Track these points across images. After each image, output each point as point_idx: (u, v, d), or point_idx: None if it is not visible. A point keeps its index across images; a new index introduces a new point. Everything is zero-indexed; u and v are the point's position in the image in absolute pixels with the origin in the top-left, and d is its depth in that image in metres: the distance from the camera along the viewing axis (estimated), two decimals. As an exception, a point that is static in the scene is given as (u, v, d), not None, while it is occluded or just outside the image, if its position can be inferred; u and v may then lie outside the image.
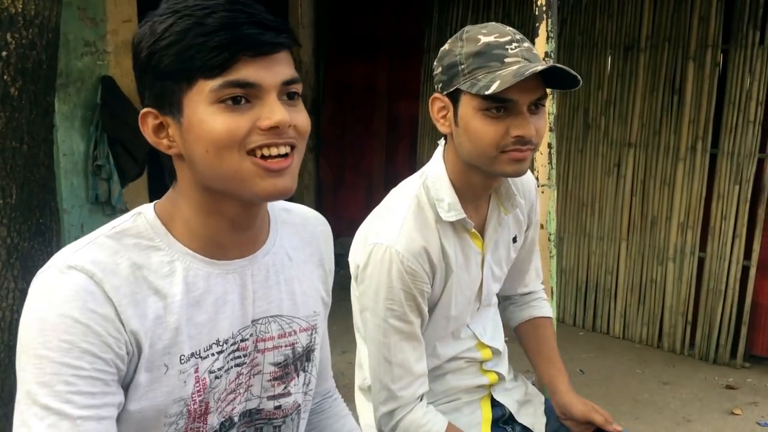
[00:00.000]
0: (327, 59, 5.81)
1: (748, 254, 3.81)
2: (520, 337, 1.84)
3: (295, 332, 1.11)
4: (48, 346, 0.86)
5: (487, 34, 1.37)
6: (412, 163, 5.17)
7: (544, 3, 1.91)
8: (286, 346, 1.10)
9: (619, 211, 4.25)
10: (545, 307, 1.84)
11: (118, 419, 0.93)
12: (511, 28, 1.39)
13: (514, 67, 1.32)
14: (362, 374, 1.69)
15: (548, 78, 1.35)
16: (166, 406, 0.96)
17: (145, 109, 0.96)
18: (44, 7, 2.11)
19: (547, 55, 1.93)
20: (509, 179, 1.54)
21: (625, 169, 4.22)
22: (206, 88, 0.89)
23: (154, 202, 1.02)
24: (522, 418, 1.70)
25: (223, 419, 1.04)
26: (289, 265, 1.10)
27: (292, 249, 1.12)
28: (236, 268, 1.02)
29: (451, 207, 1.47)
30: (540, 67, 1.30)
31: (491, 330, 1.71)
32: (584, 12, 4.31)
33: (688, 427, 3.25)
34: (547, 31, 1.91)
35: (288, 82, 0.93)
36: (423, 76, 5.16)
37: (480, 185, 1.49)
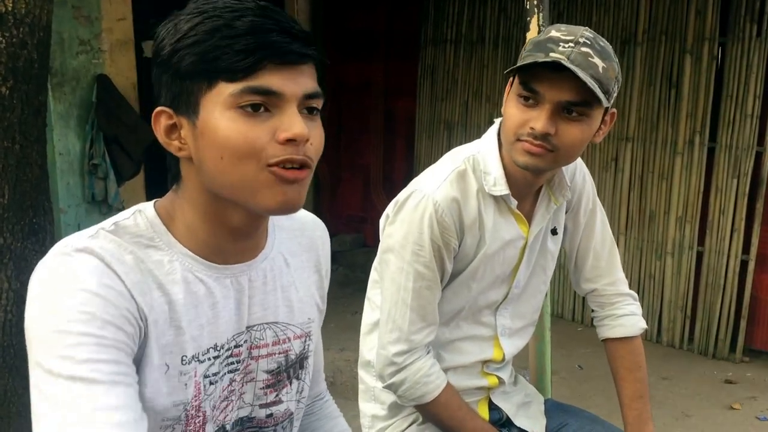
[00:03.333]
0: (323, 55, 5.79)
1: (746, 248, 3.80)
2: (609, 355, 1.75)
3: (289, 339, 1.09)
4: (67, 319, 0.83)
5: (561, 30, 1.37)
6: (409, 160, 5.12)
7: (536, -3, 1.89)
8: (279, 353, 1.08)
9: (617, 205, 4.24)
10: (632, 324, 1.72)
11: None
12: (591, 34, 1.36)
13: (548, 60, 1.31)
14: (367, 345, 1.67)
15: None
16: (165, 408, 0.93)
17: (159, 108, 0.93)
18: (35, 6, 2.09)
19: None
20: (563, 168, 1.54)
21: (623, 164, 4.21)
22: (227, 91, 0.87)
23: (155, 200, 1.00)
24: (519, 422, 1.68)
25: (217, 428, 1.03)
26: (286, 271, 1.09)
27: (289, 254, 1.10)
28: (235, 272, 1.00)
29: (496, 181, 1.48)
30: (542, 59, 1.31)
31: (515, 338, 1.67)
32: (580, 6, 4.30)
33: (687, 422, 3.25)
34: (538, 25, 1.89)
35: (310, 96, 0.91)
36: (419, 72, 5.15)
37: (526, 172, 1.46)
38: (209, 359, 0.98)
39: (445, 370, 1.57)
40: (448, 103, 4.98)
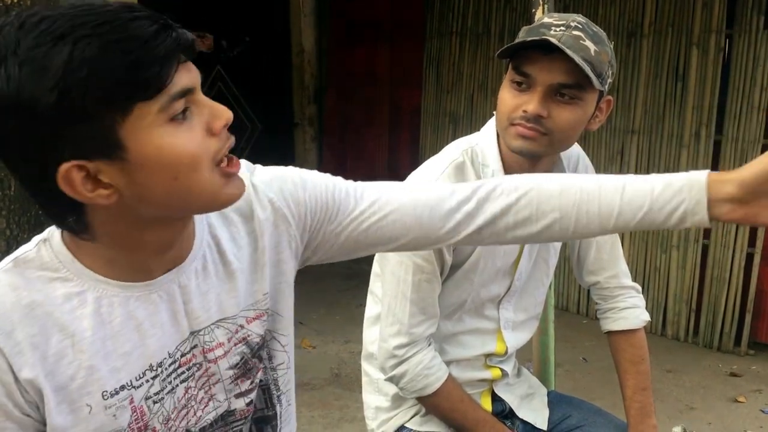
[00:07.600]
0: (329, 47, 5.79)
1: (752, 241, 3.79)
2: (612, 348, 1.75)
3: (244, 326, 1.02)
4: None
5: (553, 17, 1.38)
6: (414, 150, 5.10)
7: (541, -11, 1.88)
8: (237, 343, 1.01)
9: (623, 198, 4.23)
10: (634, 317, 1.72)
11: None
12: (583, 20, 1.36)
13: (537, 39, 1.32)
14: (370, 337, 1.67)
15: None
16: None
17: (66, 165, 0.78)
18: (39, 0, 2.10)
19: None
20: (563, 161, 1.53)
21: (629, 157, 4.20)
22: (150, 110, 0.77)
23: None
24: (522, 413, 1.68)
25: None
26: (221, 261, 0.99)
27: (224, 237, 0.99)
28: (160, 284, 0.92)
29: (494, 173, 1.48)
30: (530, 38, 1.32)
31: (518, 331, 1.67)
32: (587, -2, 4.28)
33: (692, 415, 3.25)
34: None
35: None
36: (425, 63, 5.13)
37: (523, 162, 1.46)
38: (147, 381, 0.93)
39: (448, 363, 1.58)
40: (453, 96, 4.96)
